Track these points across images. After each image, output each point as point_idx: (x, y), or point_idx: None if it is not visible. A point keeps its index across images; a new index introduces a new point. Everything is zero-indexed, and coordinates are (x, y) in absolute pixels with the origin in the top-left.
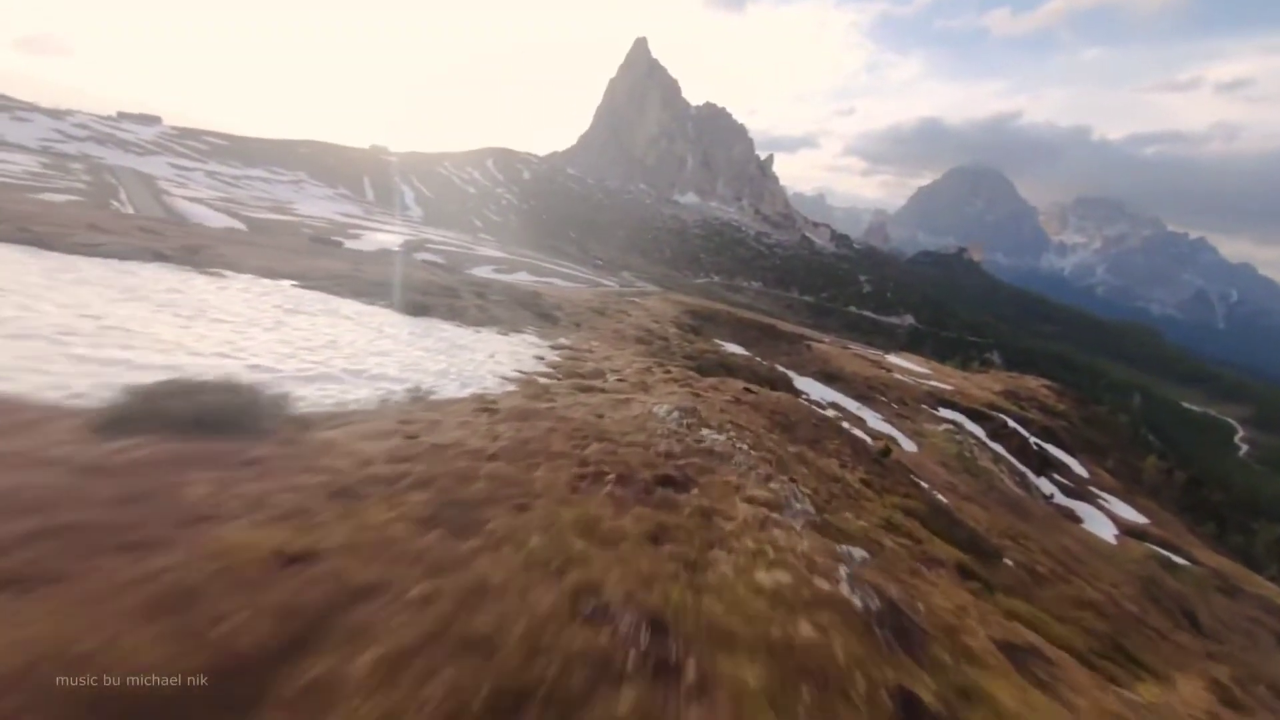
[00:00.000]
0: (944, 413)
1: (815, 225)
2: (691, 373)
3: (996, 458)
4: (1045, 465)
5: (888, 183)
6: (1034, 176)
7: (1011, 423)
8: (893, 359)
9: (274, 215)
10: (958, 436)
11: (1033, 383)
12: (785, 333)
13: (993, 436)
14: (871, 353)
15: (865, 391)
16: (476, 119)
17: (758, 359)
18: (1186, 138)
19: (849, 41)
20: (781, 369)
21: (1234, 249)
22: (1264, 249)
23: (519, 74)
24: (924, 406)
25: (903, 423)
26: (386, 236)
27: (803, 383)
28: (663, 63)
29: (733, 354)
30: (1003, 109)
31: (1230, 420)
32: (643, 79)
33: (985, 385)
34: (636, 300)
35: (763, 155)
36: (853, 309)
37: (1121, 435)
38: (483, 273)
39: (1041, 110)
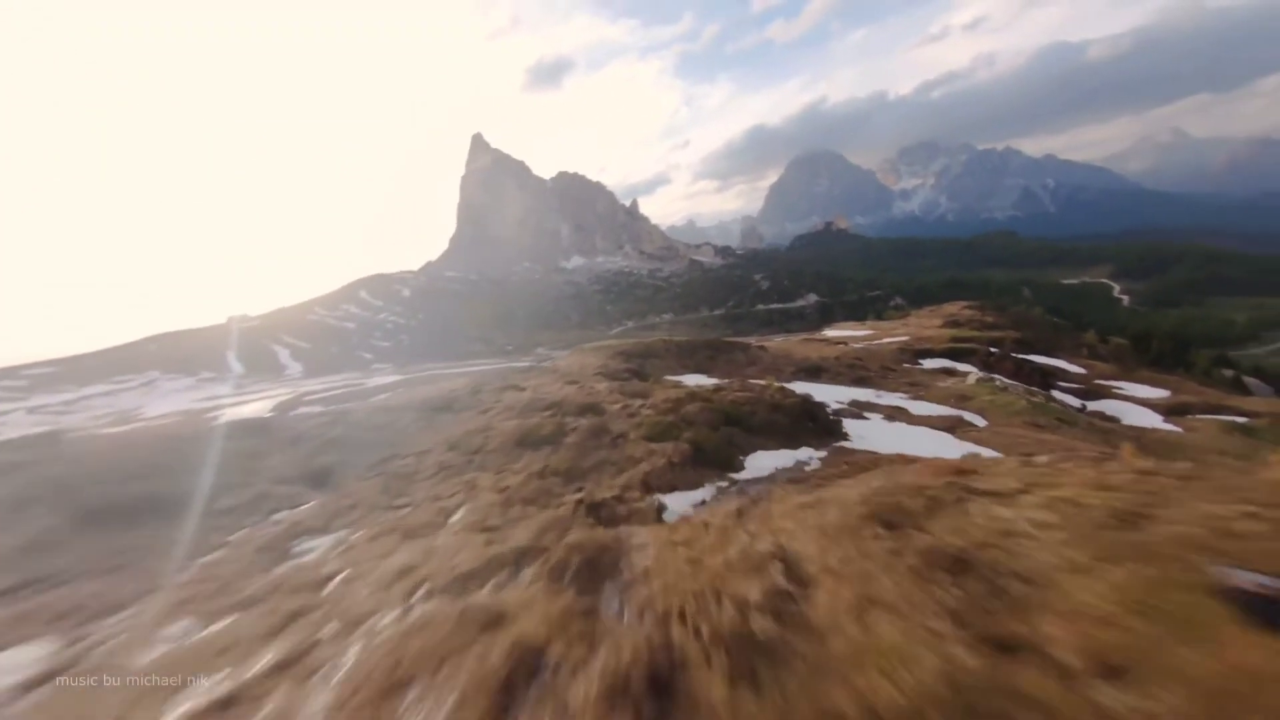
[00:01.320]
0: (931, 364)
1: (696, 247)
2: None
3: (1012, 389)
4: (1048, 378)
5: (743, 191)
6: (857, 144)
7: (988, 349)
8: (832, 333)
9: (112, 429)
10: (985, 383)
11: (953, 309)
12: (733, 343)
13: (988, 368)
14: (813, 336)
15: (857, 374)
16: (341, 256)
17: (735, 386)
18: (959, 75)
19: (662, 85)
20: (782, 385)
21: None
22: (1056, 138)
23: (372, 199)
24: (906, 365)
25: (928, 391)
26: (257, 405)
27: (800, 388)
28: (504, 150)
29: (703, 388)
30: (809, 99)
31: (1104, 280)
32: (491, 169)
33: (925, 324)
34: (540, 370)
35: (627, 203)
36: (760, 307)
37: (1045, 325)
38: (358, 406)
39: (840, 90)
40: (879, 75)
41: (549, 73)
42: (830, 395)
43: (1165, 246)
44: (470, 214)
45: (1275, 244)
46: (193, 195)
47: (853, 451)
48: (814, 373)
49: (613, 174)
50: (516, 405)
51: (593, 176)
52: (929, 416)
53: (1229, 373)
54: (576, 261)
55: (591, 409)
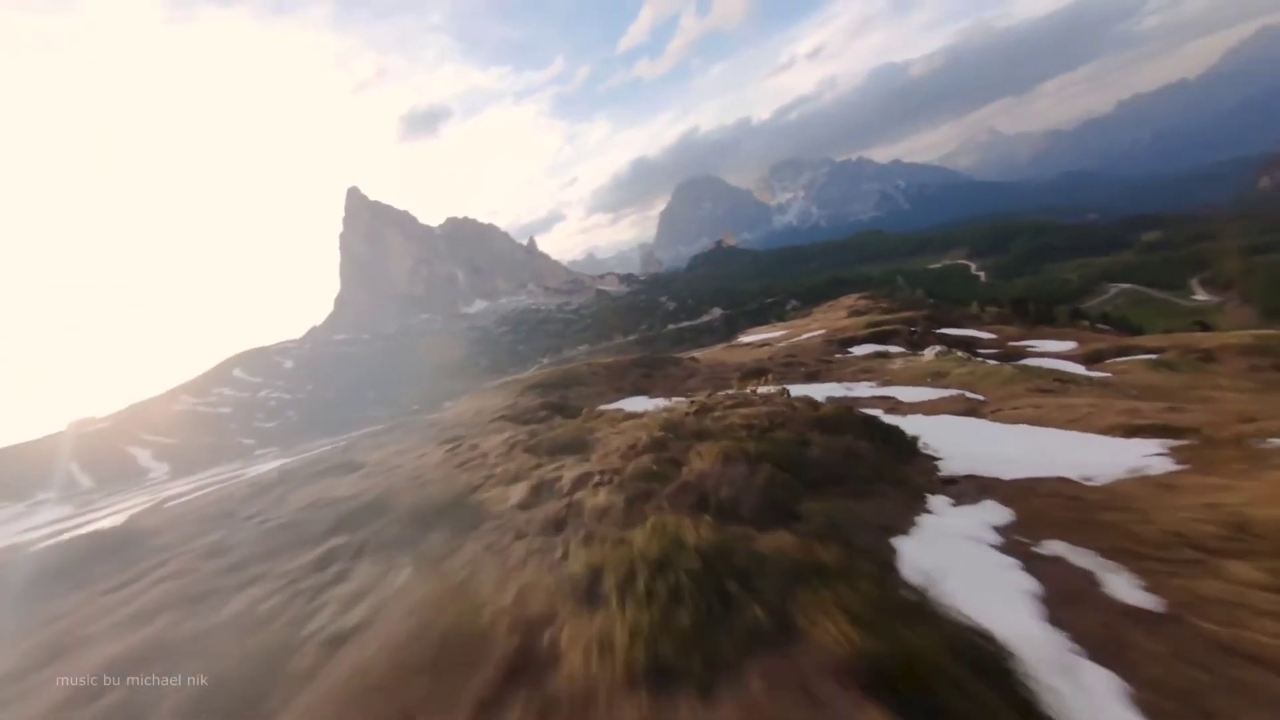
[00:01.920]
0: (861, 350)
1: (600, 277)
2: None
3: (974, 360)
4: (970, 346)
5: (635, 221)
6: (732, 167)
7: (909, 329)
8: (748, 339)
9: None
10: (945, 357)
11: (848, 301)
12: (663, 358)
13: (914, 345)
14: (731, 344)
15: (803, 370)
16: (212, 336)
17: (722, 403)
18: (809, 98)
19: (541, 126)
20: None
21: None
22: (898, 145)
23: (244, 271)
24: (838, 355)
25: (893, 375)
26: (103, 524)
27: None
28: (385, 201)
29: (667, 412)
30: (682, 130)
31: (961, 261)
32: (372, 222)
33: (831, 318)
34: (410, 428)
35: (524, 241)
36: (671, 327)
37: (928, 304)
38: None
39: (709, 120)
40: (741, 104)
41: (424, 121)
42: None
43: (1004, 226)
44: (355, 271)
45: (1079, 214)
46: (27, 284)
47: (993, 485)
48: (759, 374)
49: (505, 216)
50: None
51: (484, 219)
52: (932, 402)
53: (1085, 322)
54: (479, 305)
55: (448, 510)
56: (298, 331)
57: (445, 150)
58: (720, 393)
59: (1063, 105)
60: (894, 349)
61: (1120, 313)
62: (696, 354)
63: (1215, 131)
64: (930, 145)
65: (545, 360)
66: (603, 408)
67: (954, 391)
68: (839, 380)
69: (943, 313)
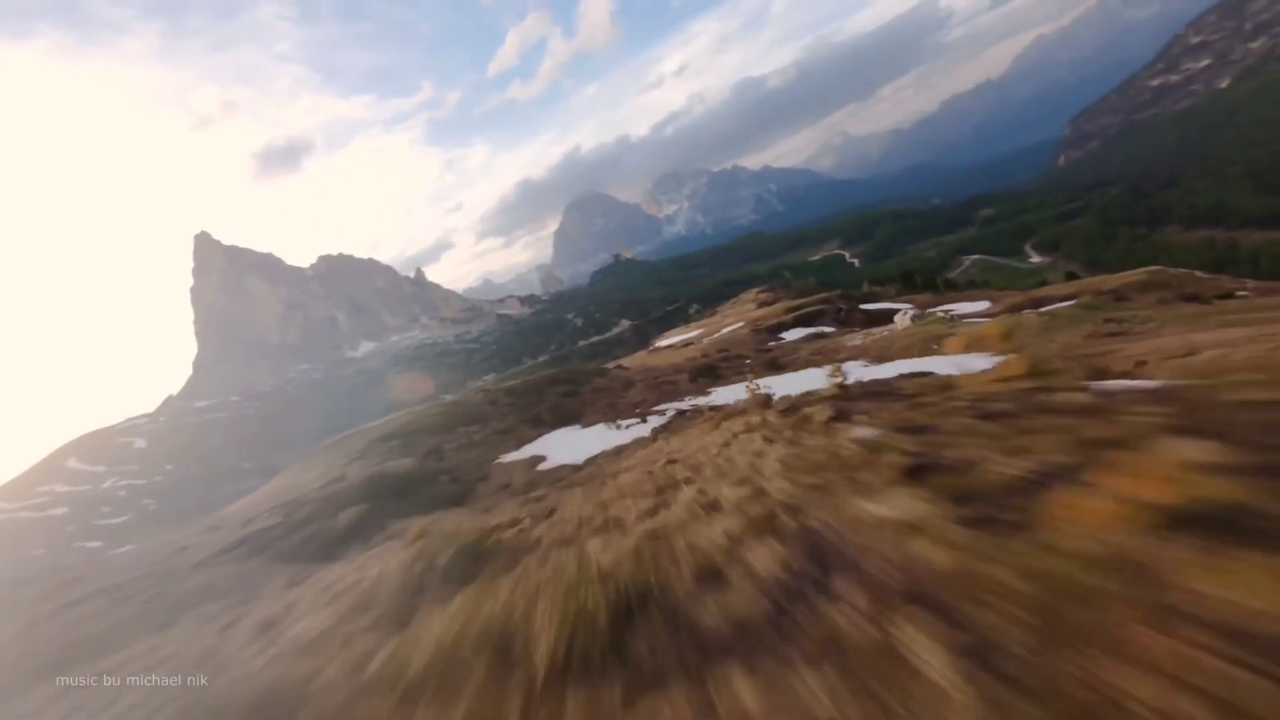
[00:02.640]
0: (793, 335)
1: (500, 301)
2: None
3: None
4: (893, 315)
5: (530, 243)
6: (617, 183)
7: (836, 308)
8: (666, 342)
9: None
10: (922, 320)
11: (749, 296)
12: (588, 369)
13: (843, 323)
14: (652, 349)
15: (760, 361)
16: (37, 426)
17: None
18: (680, 113)
19: (415, 154)
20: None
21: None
22: (765, 152)
23: (75, 345)
24: (773, 343)
25: (884, 350)
26: None
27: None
28: (242, 245)
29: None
30: (564, 149)
31: (837, 251)
32: (228, 269)
33: (743, 312)
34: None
35: (410, 274)
36: (582, 343)
37: (819, 288)
38: None
39: (589, 139)
40: (618, 122)
41: (282, 156)
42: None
43: (867, 217)
44: (213, 327)
45: (925, 200)
46: None
47: None
48: (715, 373)
49: (388, 249)
50: None
51: (363, 255)
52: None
53: (957, 289)
54: (366, 347)
55: None
56: (150, 405)
57: (311, 185)
58: (699, 402)
59: (899, 107)
60: (826, 329)
61: (981, 278)
62: (624, 361)
63: (1019, 120)
64: (794, 150)
65: (449, 397)
66: (509, 460)
67: (1007, 356)
68: (815, 366)
69: (849, 292)
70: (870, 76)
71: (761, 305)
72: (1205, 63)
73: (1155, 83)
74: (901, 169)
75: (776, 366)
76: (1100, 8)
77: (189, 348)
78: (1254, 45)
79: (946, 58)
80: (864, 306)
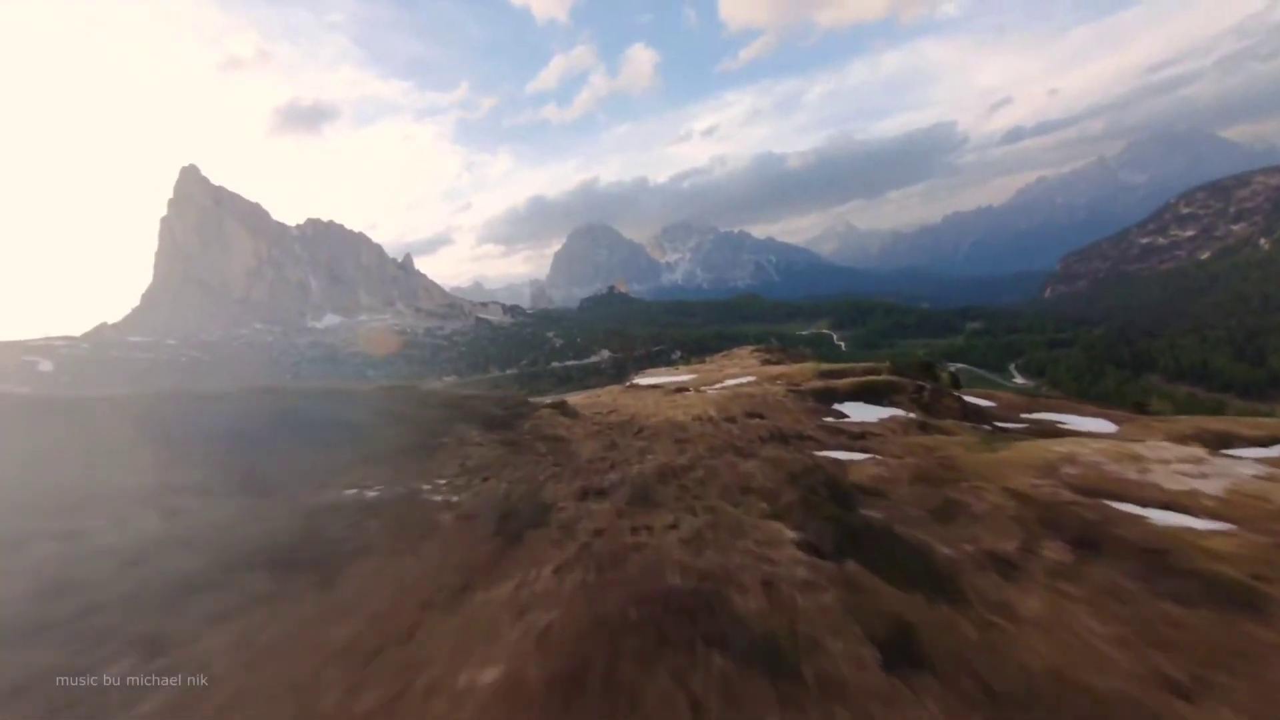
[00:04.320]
0: (859, 410)
1: (484, 305)
2: None
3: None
4: (988, 417)
5: (529, 256)
6: (628, 220)
7: (915, 384)
8: (648, 380)
9: None
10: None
11: (746, 350)
12: (529, 406)
13: (927, 409)
14: (629, 384)
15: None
16: None
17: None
18: (701, 170)
19: (440, 149)
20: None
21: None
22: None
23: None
24: (828, 418)
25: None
26: None
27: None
28: (231, 188)
29: None
30: (584, 178)
31: (825, 330)
32: (210, 210)
33: (747, 365)
34: None
35: (399, 258)
36: (556, 364)
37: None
38: None
39: (610, 173)
40: (641, 164)
41: (305, 118)
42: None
43: (862, 304)
44: (176, 263)
45: (915, 301)
46: None
47: None
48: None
49: (386, 232)
50: None
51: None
52: None
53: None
54: (330, 320)
55: None
56: (79, 329)
57: (326, 153)
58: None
59: (904, 211)
60: (904, 412)
61: (971, 386)
62: (581, 397)
63: (1013, 247)
64: (799, 229)
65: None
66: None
67: None
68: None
69: (926, 370)
70: (882, 178)
71: (765, 363)
72: (1191, 233)
73: (1145, 240)
74: (896, 269)
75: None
76: (1099, 165)
77: (143, 280)
78: (1236, 227)
79: (955, 178)
80: (964, 397)
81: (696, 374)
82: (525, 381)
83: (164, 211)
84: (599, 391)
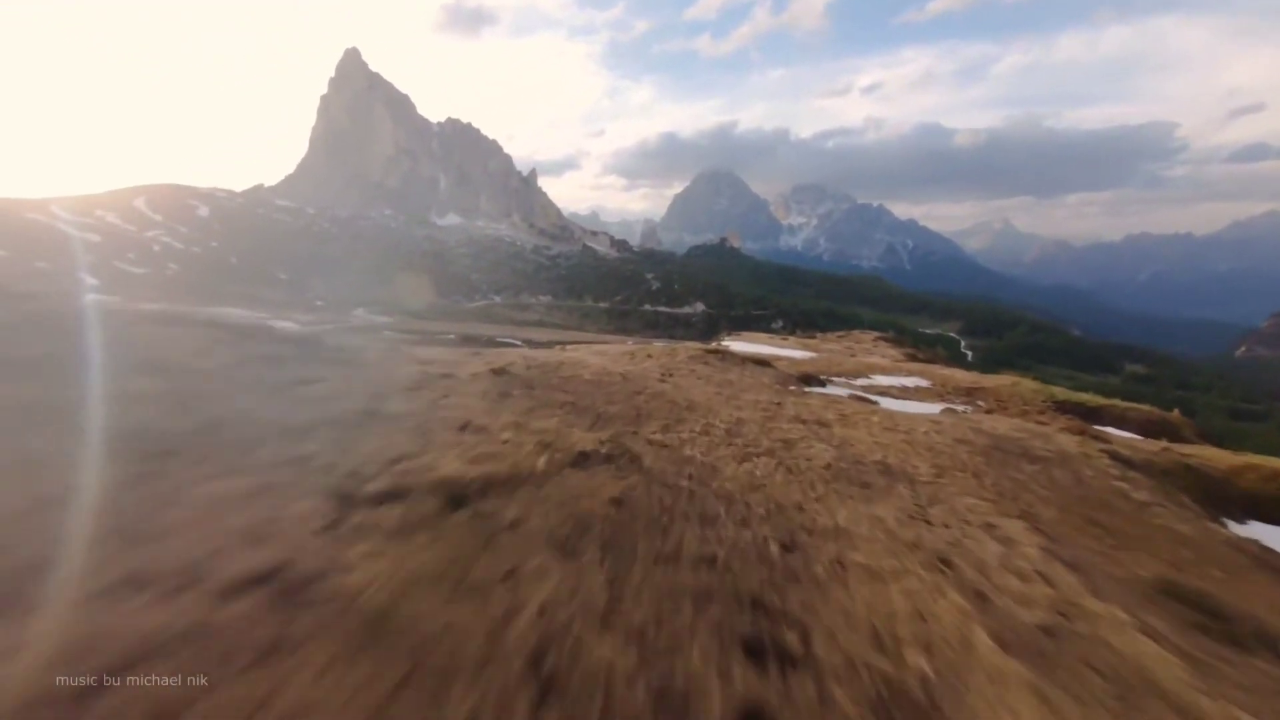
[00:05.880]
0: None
1: (594, 234)
2: None
3: None
4: None
5: (648, 194)
6: (758, 173)
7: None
8: (739, 345)
9: None
10: None
11: (870, 337)
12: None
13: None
14: (710, 347)
15: None
16: (145, 161)
17: None
18: (851, 130)
19: (587, 70)
20: None
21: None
22: (919, 206)
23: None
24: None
25: None
26: None
27: None
28: (386, 77)
29: None
30: (722, 120)
31: (953, 334)
32: (364, 94)
33: (883, 358)
34: None
35: (524, 172)
36: (648, 307)
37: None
38: None
39: (751, 119)
40: (786, 114)
41: (468, 19)
42: None
43: (1003, 313)
44: (328, 140)
45: (1064, 325)
46: None
47: None
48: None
49: (519, 145)
50: None
51: (493, 137)
52: None
53: None
54: (452, 219)
55: None
56: (242, 185)
57: (481, 57)
58: None
59: (1078, 221)
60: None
61: None
62: (602, 351)
63: (1206, 291)
64: (948, 216)
65: (497, 299)
66: None
67: None
68: None
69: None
70: (1063, 176)
71: (912, 358)
72: None
73: None
74: (1052, 283)
75: None
76: None
77: (304, 151)
78: None
79: (1154, 192)
80: None
81: (814, 353)
82: (614, 318)
83: (324, 90)
84: (679, 345)
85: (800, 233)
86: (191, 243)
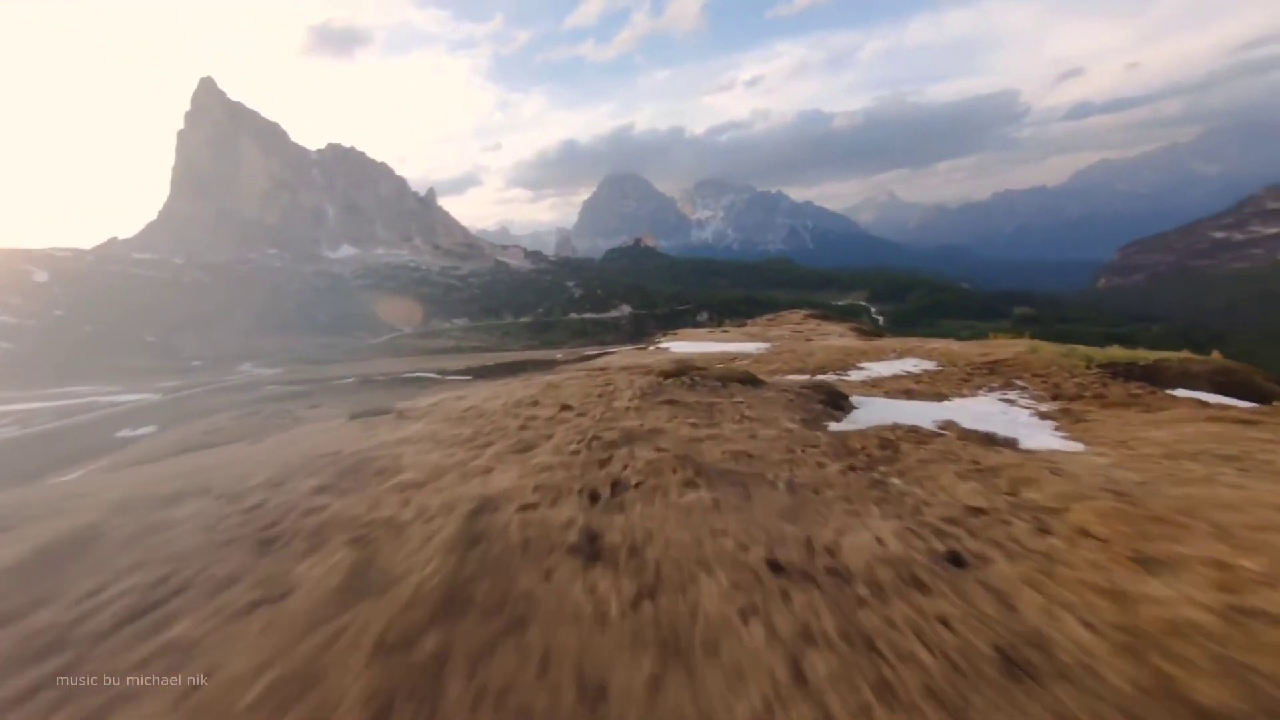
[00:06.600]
0: None
1: (504, 248)
2: None
3: None
4: None
5: (556, 204)
6: (660, 172)
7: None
8: (675, 345)
9: None
10: None
11: (799, 315)
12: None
13: None
14: (644, 348)
15: None
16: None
17: None
18: (740, 124)
19: (473, 84)
20: None
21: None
22: (812, 189)
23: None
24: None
25: None
26: None
27: None
28: (251, 105)
29: None
30: (618, 124)
31: (861, 303)
32: (225, 125)
33: (820, 331)
34: None
35: (421, 193)
36: (573, 316)
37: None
38: None
39: (645, 121)
40: (678, 113)
41: (338, 41)
42: None
43: (901, 279)
44: (191, 181)
45: (954, 281)
46: None
47: None
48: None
49: (414, 168)
50: None
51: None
52: None
53: None
54: (346, 251)
55: None
56: (91, 241)
57: (358, 79)
58: None
59: (950, 185)
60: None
61: None
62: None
63: (1064, 234)
64: (837, 194)
65: (406, 330)
66: None
67: None
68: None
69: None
70: (932, 148)
71: (861, 334)
72: (1275, 230)
73: (1218, 235)
74: (936, 245)
75: None
76: (1169, 152)
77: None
78: None
79: (1010, 153)
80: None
81: (766, 343)
82: (537, 331)
83: (180, 125)
84: (611, 351)
85: (708, 226)
86: (27, 315)
